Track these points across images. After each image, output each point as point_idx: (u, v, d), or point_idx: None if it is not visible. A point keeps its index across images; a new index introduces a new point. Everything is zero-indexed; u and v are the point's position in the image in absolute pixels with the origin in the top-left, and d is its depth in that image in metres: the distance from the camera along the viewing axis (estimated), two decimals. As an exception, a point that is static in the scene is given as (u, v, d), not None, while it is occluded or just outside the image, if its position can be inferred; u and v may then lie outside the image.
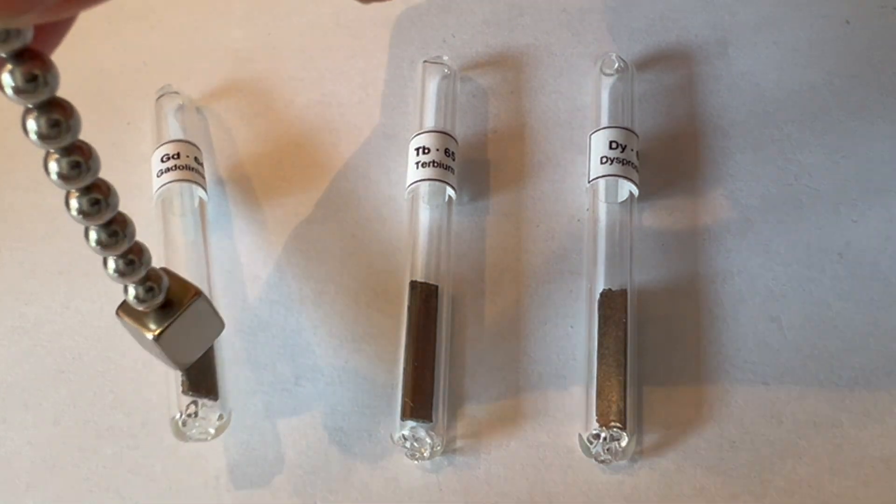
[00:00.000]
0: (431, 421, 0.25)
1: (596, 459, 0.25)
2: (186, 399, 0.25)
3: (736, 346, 0.26)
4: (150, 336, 0.20)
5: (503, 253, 0.29)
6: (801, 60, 0.31)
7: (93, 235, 0.18)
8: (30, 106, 0.16)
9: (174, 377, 0.25)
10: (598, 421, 0.25)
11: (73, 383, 0.27)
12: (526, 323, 0.27)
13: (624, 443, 0.24)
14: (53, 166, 0.17)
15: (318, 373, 0.27)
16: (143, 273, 0.19)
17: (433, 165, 0.28)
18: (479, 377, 0.27)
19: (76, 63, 0.32)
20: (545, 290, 0.28)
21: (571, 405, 0.26)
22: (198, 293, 0.21)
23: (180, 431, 0.25)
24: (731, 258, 0.28)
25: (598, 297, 0.26)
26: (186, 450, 0.26)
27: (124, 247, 0.19)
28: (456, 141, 0.29)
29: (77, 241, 0.29)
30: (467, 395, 0.26)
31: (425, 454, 0.25)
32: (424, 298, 0.27)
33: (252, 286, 0.29)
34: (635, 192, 0.28)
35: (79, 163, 0.17)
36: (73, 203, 0.17)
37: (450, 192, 0.28)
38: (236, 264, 0.29)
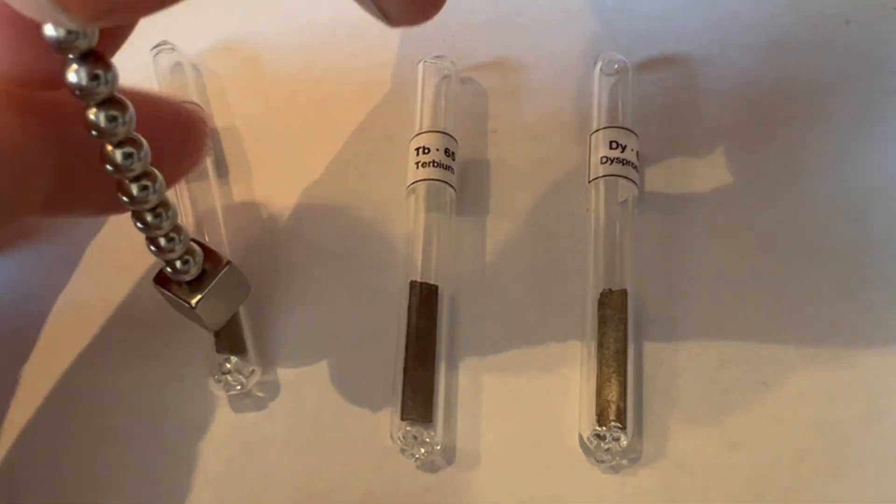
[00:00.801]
0: (431, 421, 0.25)
1: (596, 459, 0.25)
2: (219, 358, 0.26)
3: (736, 346, 0.26)
4: (189, 305, 0.23)
5: (503, 253, 0.29)
6: (801, 60, 0.31)
7: (141, 218, 0.21)
8: (90, 103, 0.18)
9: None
10: (598, 421, 0.25)
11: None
12: (526, 323, 0.27)
13: (624, 443, 0.24)
14: (109, 156, 0.20)
15: (319, 373, 0.27)
16: (182, 250, 0.22)
17: (433, 165, 0.28)
18: (478, 377, 0.27)
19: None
20: (545, 290, 0.28)
21: (571, 405, 0.26)
22: (228, 262, 0.24)
23: (217, 387, 0.26)
24: (730, 258, 0.28)
25: (598, 297, 0.26)
26: (186, 450, 0.26)
27: (167, 228, 0.21)
28: (456, 141, 0.29)
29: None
30: (467, 394, 0.26)
31: (424, 454, 0.25)
32: (424, 298, 0.27)
33: (252, 286, 0.29)
34: (635, 192, 0.28)
35: (131, 153, 0.20)
36: (126, 188, 0.20)
37: (450, 192, 0.29)
38: (237, 263, 0.29)
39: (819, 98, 0.30)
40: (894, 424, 0.25)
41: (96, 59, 0.18)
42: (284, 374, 0.27)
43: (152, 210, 0.21)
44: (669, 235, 0.28)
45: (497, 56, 0.32)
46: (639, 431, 0.25)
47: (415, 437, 0.25)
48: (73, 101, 0.19)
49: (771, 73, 0.31)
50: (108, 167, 0.20)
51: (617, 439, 0.24)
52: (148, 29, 0.34)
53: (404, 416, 0.25)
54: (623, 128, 0.29)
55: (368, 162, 0.30)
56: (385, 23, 0.21)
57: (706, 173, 0.29)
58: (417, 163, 0.29)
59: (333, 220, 0.29)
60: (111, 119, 0.19)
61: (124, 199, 0.20)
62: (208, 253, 0.23)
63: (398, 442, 0.25)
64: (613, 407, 0.25)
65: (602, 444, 0.24)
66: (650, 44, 0.32)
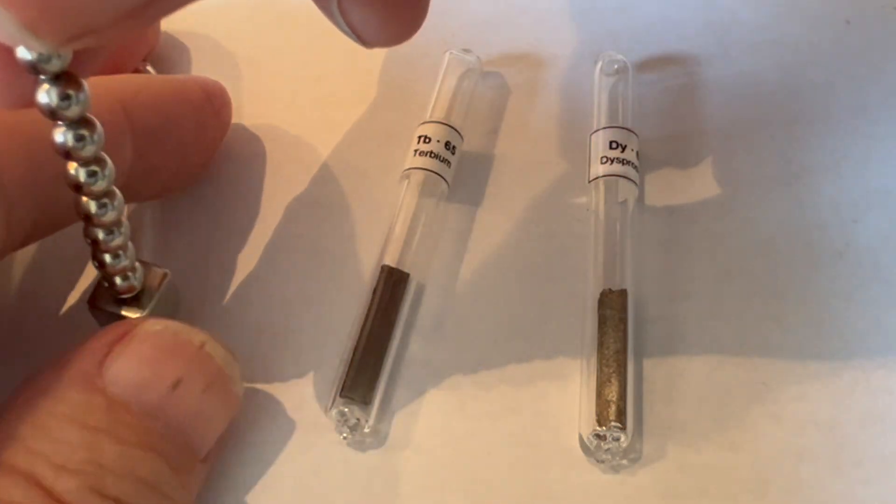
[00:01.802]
0: (369, 403, 0.25)
1: (596, 459, 0.25)
2: None
3: (736, 346, 0.26)
4: (134, 318, 0.23)
5: (503, 252, 0.29)
6: (801, 60, 0.31)
7: (94, 234, 0.21)
8: (59, 123, 0.19)
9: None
10: (598, 421, 0.25)
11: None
12: (526, 323, 0.27)
13: (624, 443, 0.24)
14: (73, 174, 0.20)
15: (319, 373, 0.27)
16: (129, 265, 0.23)
17: (430, 156, 0.29)
18: (478, 377, 0.27)
19: None
20: (545, 290, 0.28)
21: (571, 405, 0.26)
22: (165, 274, 0.24)
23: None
24: (731, 258, 0.28)
25: (598, 297, 0.26)
26: (186, 450, 0.26)
27: (118, 244, 0.22)
28: (461, 136, 0.29)
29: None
30: (467, 394, 0.26)
31: (350, 433, 0.25)
32: (392, 284, 0.27)
33: (252, 286, 0.29)
34: (635, 192, 0.28)
35: (96, 172, 0.20)
36: (85, 205, 0.21)
37: (443, 185, 0.29)
38: (234, 264, 0.29)
39: (819, 98, 0.30)
40: (894, 424, 0.25)
41: (68, 79, 0.18)
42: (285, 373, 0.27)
43: (107, 227, 0.21)
44: (669, 235, 0.28)
45: (497, 56, 0.32)
46: (639, 431, 0.25)
47: (344, 416, 0.25)
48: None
49: (771, 73, 0.31)
50: (71, 183, 0.20)
51: (617, 439, 0.24)
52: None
53: (343, 393, 0.25)
54: (623, 128, 0.29)
55: (369, 162, 0.30)
56: (361, 44, 0.21)
57: (706, 173, 0.29)
58: (416, 150, 0.29)
59: (334, 219, 0.29)
60: (80, 139, 0.19)
61: (83, 216, 0.21)
62: (144, 266, 0.24)
63: (332, 417, 0.25)
64: (613, 407, 0.25)
65: (602, 444, 0.24)
66: (650, 44, 0.32)
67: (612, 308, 0.26)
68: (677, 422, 0.25)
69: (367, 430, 0.25)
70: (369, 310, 0.27)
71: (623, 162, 0.28)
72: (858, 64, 0.31)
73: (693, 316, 0.27)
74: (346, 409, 0.25)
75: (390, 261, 0.27)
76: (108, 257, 0.22)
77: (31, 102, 0.19)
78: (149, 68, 0.32)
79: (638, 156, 0.29)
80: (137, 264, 0.23)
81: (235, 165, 0.31)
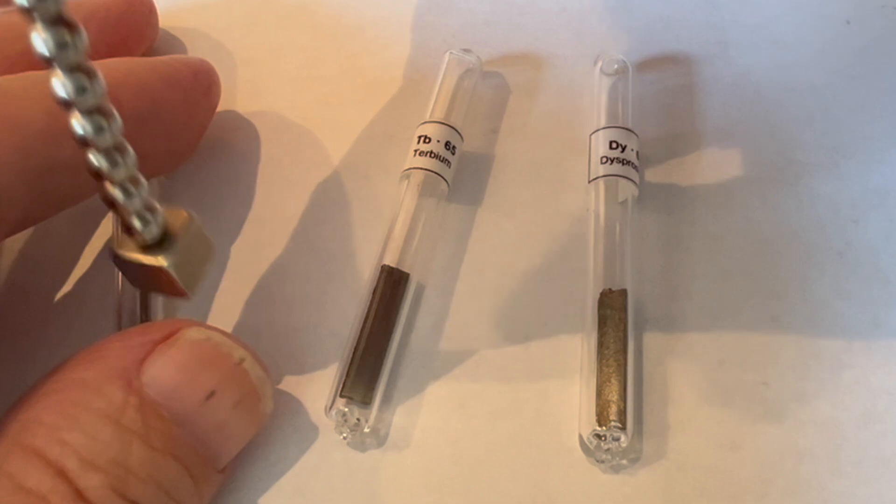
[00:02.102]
0: (369, 403, 0.25)
1: (596, 459, 0.25)
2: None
3: (736, 346, 0.26)
4: (159, 265, 0.21)
5: (503, 252, 0.29)
6: (801, 60, 0.31)
7: (91, 157, 0.19)
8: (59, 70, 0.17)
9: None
10: (598, 421, 0.25)
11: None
12: (526, 323, 0.27)
13: (624, 443, 0.24)
14: (58, 86, 0.18)
15: (319, 373, 0.27)
16: (141, 204, 0.20)
17: (430, 156, 0.29)
18: (478, 377, 0.27)
19: None
20: (545, 290, 0.28)
21: (571, 405, 0.26)
22: (190, 216, 0.22)
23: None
24: (731, 258, 0.28)
25: (598, 297, 0.26)
26: (187, 450, 0.26)
27: (123, 175, 0.19)
28: (461, 136, 0.29)
29: (77, 239, 0.30)
30: (467, 394, 0.26)
31: (350, 433, 0.25)
32: (392, 284, 0.27)
33: (252, 286, 0.29)
34: (635, 192, 0.28)
35: (82, 81, 0.18)
36: (76, 124, 0.18)
37: (443, 185, 0.29)
38: (236, 264, 0.29)
39: (819, 98, 0.30)
40: (894, 424, 0.25)
41: (65, 21, 0.16)
42: (285, 373, 0.27)
43: (108, 153, 0.19)
44: (669, 235, 0.28)
45: (497, 56, 0.32)
46: (639, 431, 0.25)
47: (344, 416, 0.25)
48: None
49: (771, 73, 0.31)
50: (59, 100, 0.18)
51: (617, 439, 0.24)
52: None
53: (343, 393, 0.25)
54: (623, 128, 0.29)
55: (368, 162, 0.30)
56: None
57: (706, 173, 0.29)
58: (416, 150, 0.29)
59: (333, 220, 0.29)
60: (63, 46, 0.17)
61: (79, 141, 0.19)
62: (167, 209, 0.22)
63: (331, 417, 0.25)
64: (613, 407, 0.25)
65: (602, 444, 0.24)
66: (650, 44, 0.32)
67: (612, 308, 0.26)
68: (677, 422, 0.25)
69: (367, 430, 0.26)
70: (369, 310, 0.27)
71: (623, 162, 0.28)
72: (858, 64, 0.31)
73: (693, 316, 0.27)
74: (346, 410, 0.25)
75: (390, 261, 0.27)
76: (118, 193, 0.20)
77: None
78: None
79: (638, 156, 0.29)
80: (157, 205, 0.21)
81: (235, 165, 0.31)
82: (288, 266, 0.29)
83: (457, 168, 0.30)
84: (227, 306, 0.28)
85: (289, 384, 0.27)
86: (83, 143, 0.18)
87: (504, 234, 0.29)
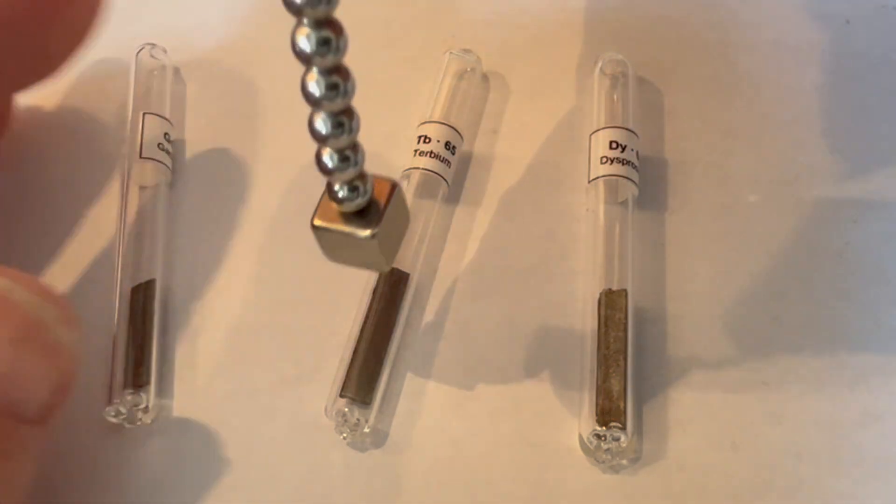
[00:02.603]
0: (369, 404, 0.25)
1: (596, 459, 0.25)
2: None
3: (736, 346, 0.26)
4: (364, 235, 0.20)
5: (503, 252, 0.29)
6: (801, 60, 0.31)
7: (319, 123, 0.19)
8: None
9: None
10: (598, 421, 0.25)
11: (77, 383, 0.27)
12: (526, 323, 0.27)
13: (624, 443, 0.24)
14: (303, 41, 0.18)
15: (319, 373, 0.27)
16: (358, 171, 0.19)
17: (430, 156, 0.29)
18: (478, 377, 0.27)
19: None
20: (545, 290, 0.28)
21: (571, 405, 0.26)
22: (395, 184, 0.21)
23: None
24: (730, 258, 0.28)
25: (598, 297, 0.26)
26: (187, 450, 0.26)
27: (347, 142, 0.19)
28: (461, 136, 0.30)
29: (86, 241, 0.30)
30: (467, 395, 0.26)
31: (350, 433, 0.25)
32: (392, 283, 0.27)
33: (252, 286, 0.29)
34: (635, 192, 0.28)
35: (328, 39, 0.17)
36: (312, 85, 0.18)
37: (443, 185, 0.29)
38: (236, 264, 0.29)
39: (819, 98, 0.30)
40: (894, 424, 0.25)
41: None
42: (284, 373, 0.27)
43: (336, 117, 0.19)
44: (669, 235, 0.28)
45: (497, 56, 0.32)
46: (639, 431, 0.25)
47: (344, 416, 0.25)
48: None
49: (771, 72, 0.31)
50: (303, 50, 0.18)
51: (617, 439, 0.24)
52: (138, 28, 0.34)
53: (343, 393, 0.25)
54: (623, 128, 0.29)
55: (368, 162, 0.30)
56: None
57: (706, 173, 0.29)
58: (417, 150, 0.29)
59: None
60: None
61: (313, 99, 0.18)
62: (372, 177, 0.21)
63: (331, 417, 0.25)
64: (613, 407, 0.25)
65: (602, 444, 0.24)
66: (650, 44, 0.32)
67: (612, 308, 0.26)
68: (677, 422, 0.25)
69: (367, 430, 0.26)
70: (369, 310, 0.27)
71: (623, 162, 0.28)
72: (858, 64, 0.31)
73: (693, 316, 0.27)
74: (346, 410, 0.25)
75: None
76: (335, 159, 0.19)
77: None
78: None
79: (638, 156, 0.29)
80: (368, 173, 0.20)
81: (235, 165, 0.31)
82: (288, 266, 0.29)
83: (457, 168, 0.30)
84: (227, 306, 0.28)
85: (289, 384, 0.27)
86: (315, 104, 0.18)
87: (504, 234, 0.29)
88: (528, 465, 0.25)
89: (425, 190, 0.29)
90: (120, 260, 0.28)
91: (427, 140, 0.29)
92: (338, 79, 0.18)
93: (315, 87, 0.18)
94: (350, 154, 0.19)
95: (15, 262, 0.29)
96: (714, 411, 0.25)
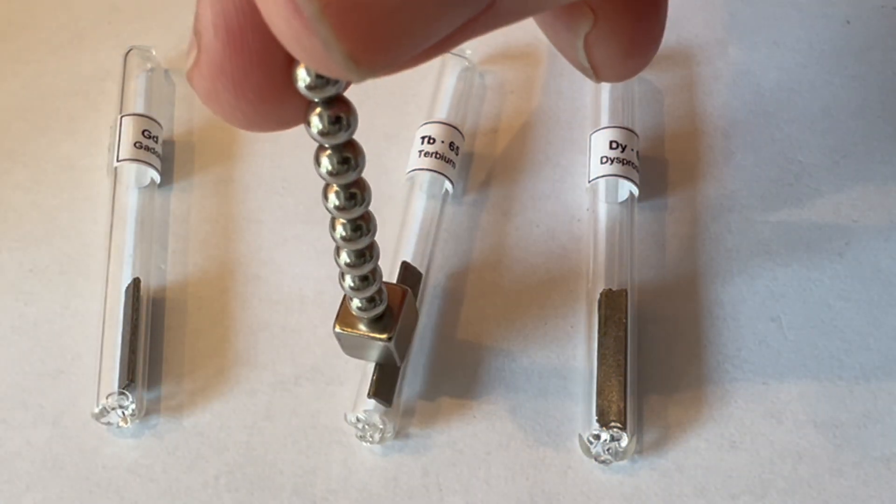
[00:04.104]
0: (391, 405, 0.25)
1: (596, 459, 0.25)
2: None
3: (736, 346, 0.26)
4: (382, 341, 0.23)
5: (503, 252, 0.29)
6: (801, 60, 0.31)
7: (344, 256, 0.21)
8: (326, 145, 0.18)
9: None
10: (598, 421, 0.25)
11: (73, 383, 0.27)
12: (526, 323, 0.27)
13: (624, 443, 0.24)
14: (332, 198, 0.19)
15: (318, 373, 0.27)
16: (377, 287, 0.22)
17: (435, 157, 0.29)
18: (478, 377, 0.27)
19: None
20: (545, 290, 0.28)
21: (571, 405, 0.26)
22: (406, 291, 0.23)
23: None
24: (731, 258, 0.28)
25: (598, 297, 0.26)
26: (186, 450, 0.26)
27: (369, 267, 0.21)
28: (462, 136, 0.29)
29: (77, 241, 0.30)
30: (468, 395, 0.26)
31: (376, 438, 0.25)
32: (411, 284, 0.27)
33: (252, 286, 0.29)
34: (635, 192, 0.28)
35: (355, 194, 0.19)
36: (339, 229, 0.20)
37: (447, 185, 0.29)
38: (236, 264, 0.29)
39: (819, 98, 0.30)
40: (894, 424, 0.25)
41: (340, 101, 0.17)
42: (284, 373, 0.27)
43: (360, 252, 0.21)
44: (669, 235, 0.28)
45: (497, 56, 0.32)
46: (639, 431, 0.25)
47: (367, 421, 0.25)
48: None
49: (771, 73, 0.31)
50: (329, 207, 0.19)
51: (617, 439, 0.24)
52: (131, 30, 0.34)
53: (370, 395, 0.25)
54: (623, 128, 0.29)
55: (368, 162, 0.30)
56: (591, 79, 0.20)
57: (706, 173, 0.29)
58: (420, 151, 0.29)
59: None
60: (343, 161, 0.18)
61: (339, 236, 0.20)
62: (386, 285, 0.23)
63: (350, 423, 0.25)
64: (613, 407, 0.25)
65: (602, 444, 0.24)
66: (650, 44, 0.32)
67: (613, 308, 0.26)
68: (677, 422, 0.25)
69: (388, 435, 0.25)
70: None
71: (623, 162, 0.28)
72: (858, 64, 0.31)
73: (693, 316, 0.27)
74: (366, 414, 0.25)
75: (408, 257, 0.27)
76: (359, 281, 0.21)
77: (287, 124, 0.17)
78: None
79: (638, 156, 0.29)
80: (384, 287, 0.23)
81: (235, 165, 0.31)
82: (288, 266, 0.29)
83: (458, 168, 0.30)
84: (227, 307, 0.28)
85: (288, 384, 0.27)
86: (343, 241, 0.20)
87: (504, 234, 0.29)
88: (528, 465, 0.25)
89: (430, 189, 0.29)
90: (109, 261, 0.28)
91: (431, 141, 0.29)
92: (362, 223, 0.20)
93: (342, 230, 0.20)
94: (370, 276, 0.21)
95: (5, 258, 0.29)
96: (714, 411, 0.25)
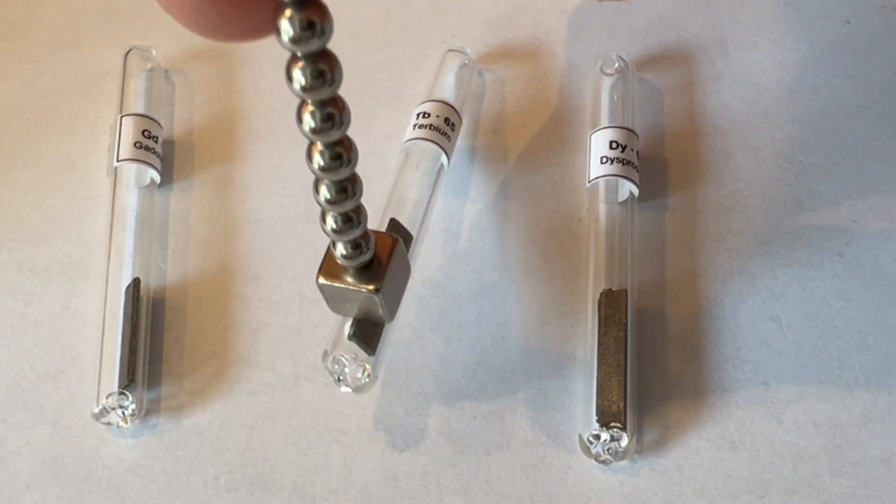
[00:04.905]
0: (373, 354, 0.24)
1: (596, 459, 0.25)
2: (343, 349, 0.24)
3: (736, 346, 0.26)
4: (368, 291, 0.21)
5: (503, 252, 0.29)
6: (801, 60, 0.31)
7: (323, 190, 0.19)
8: (298, 54, 0.16)
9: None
10: (598, 421, 0.25)
11: (73, 383, 0.27)
12: (526, 323, 0.27)
13: (624, 443, 0.24)
14: (308, 119, 0.17)
15: (318, 373, 0.27)
16: (362, 231, 0.20)
17: (430, 129, 0.28)
18: (478, 377, 0.27)
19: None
20: (545, 290, 0.28)
21: (571, 405, 0.26)
22: (396, 239, 0.21)
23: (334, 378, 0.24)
24: (731, 258, 0.28)
25: (598, 297, 0.26)
26: (186, 450, 0.26)
27: (350, 205, 0.19)
28: (460, 117, 0.29)
29: (78, 241, 0.30)
30: (467, 394, 0.26)
31: (350, 383, 0.24)
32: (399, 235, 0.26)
33: (252, 286, 0.29)
34: (635, 192, 0.28)
35: (332, 115, 0.17)
36: (317, 157, 0.18)
37: (443, 159, 0.28)
38: (236, 264, 0.29)
39: (819, 98, 0.30)
40: (894, 424, 0.25)
41: (314, 4, 0.16)
42: (284, 373, 0.27)
43: (341, 184, 0.19)
44: (669, 235, 0.28)
45: (497, 56, 0.32)
46: (639, 431, 0.25)
47: (345, 363, 0.24)
48: None
49: (771, 73, 0.31)
50: (304, 130, 0.18)
51: (617, 439, 0.24)
52: (131, 30, 0.34)
53: (350, 336, 0.24)
54: (623, 128, 0.29)
55: (368, 162, 0.30)
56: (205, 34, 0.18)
57: (706, 173, 0.29)
58: (415, 125, 0.29)
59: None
60: (318, 75, 0.17)
61: (313, 167, 0.18)
62: (374, 233, 0.21)
63: (328, 364, 0.24)
64: (613, 407, 0.25)
65: (602, 444, 0.24)
66: (650, 44, 0.32)
67: (612, 308, 0.26)
68: (677, 422, 0.25)
69: (367, 379, 0.24)
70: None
71: (623, 162, 0.28)
72: (858, 64, 0.31)
73: (693, 316, 0.27)
74: (346, 357, 0.24)
75: (394, 214, 0.26)
76: (341, 222, 0.20)
77: (254, 31, 0.16)
78: None
79: (638, 156, 0.29)
80: (371, 232, 0.21)
81: (235, 165, 0.31)
82: (288, 266, 0.29)
83: (452, 162, 0.29)
84: (227, 307, 0.28)
85: (288, 384, 0.27)
86: (322, 172, 0.19)
87: (504, 234, 0.29)
88: (528, 465, 0.25)
89: (424, 162, 0.28)
90: (109, 261, 0.28)
91: (426, 115, 0.29)
92: (342, 150, 0.18)
93: (319, 159, 0.18)
94: (353, 216, 0.20)
95: (5, 258, 0.29)
96: (714, 411, 0.25)
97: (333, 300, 0.22)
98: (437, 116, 0.29)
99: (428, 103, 0.29)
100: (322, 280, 0.21)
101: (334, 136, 0.18)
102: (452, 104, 0.29)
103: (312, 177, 0.19)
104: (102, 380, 0.26)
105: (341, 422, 0.26)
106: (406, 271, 0.23)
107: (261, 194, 0.30)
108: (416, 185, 0.28)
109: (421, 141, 0.28)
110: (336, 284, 0.21)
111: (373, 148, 0.31)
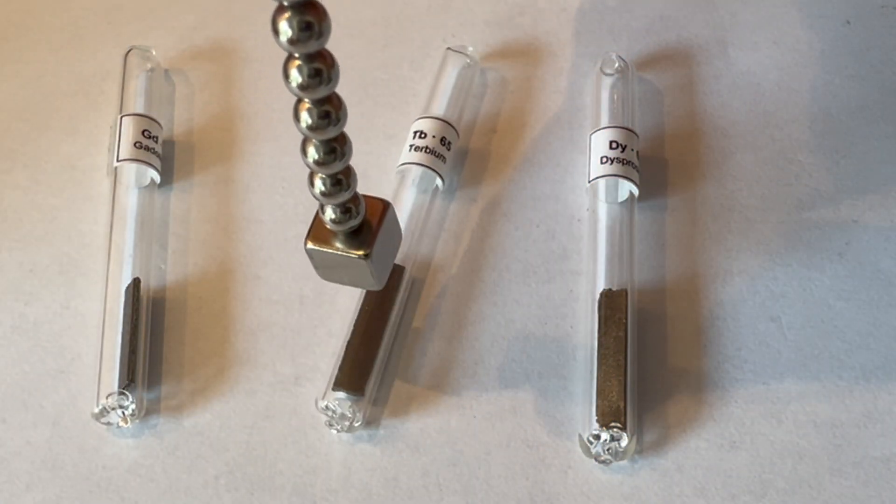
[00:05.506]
0: (363, 395, 0.25)
1: (596, 459, 0.25)
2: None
3: (736, 346, 0.26)
4: (357, 256, 0.21)
5: (503, 252, 0.29)
6: (801, 60, 0.31)
7: (311, 151, 0.19)
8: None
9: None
10: (598, 421, 0.25)
11: (73, 383, 0.27)
12: (526, 323, 0.27)
13: (624, 443, 0.24)
14: (294, 74, 0.17)
15: (318, 373, 0.27)
16: (351, 194, 0.20)
17: (426, 151, 0.29)
18: (477, 377, 0.27)
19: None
20: (545, 290, 0.28)
21: (571, 405, 0.26)
22: (387, 204, 0.21)
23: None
24: (731, 258, 0.28)
25: (598, 297, 0.26)
26: (186, 450, 0.26)
27: (339, 167, 0.19)
28: (457, 132, 0.29)
29: (78, 241, 0.30)
30: (467, 394, 0.26)
31: (344, 427, 0.25)
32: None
33: (252, 286, 0.29)
34: (635, 192, 0.28)
35: (320, 70, 0.17)
36: (305, 116, 0.18)
37: (437, 181, 0.29)
38: (235, 264, 0.29)
39: (819, 98, 0.30)
40: (894, 424, 0.25)
41: (312, 6, 0.16)
42: (284, 373, 0.27)
43: (329, 145, 0.19)
44: (669, 235, 0.28)
45: (497, 56, 0.32)
46: (639, 431, 0.25)
47: (336, 410, 0.25)
48: None
49: (771, 72, 0.31)
50: (301, 126, 0.18)
51: (617, 439, 0.24)
52: (131, 30, 0.34)
53: (335, 386, 0.25)
54: (623, 128, 0.29)
55: (368, 162, 0.30)
56: None
57: (706, 173, 0.29)
58: (412, 146, 0.29)
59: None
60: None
61: (306, 125, 0.18)
62: (364, 197, 0.21)
63: (321, 411, 0.25)
64: (613, 407, 0.25)
65: (602, 444, 0.24)
66: (650, 44, 0.32)
67: (613, 308, 0.26)
68: (677, 421, 0.25)
69: (357, 424, 0.25)
70: (364, 303, 0.26)
71: (623, 162, 0.28)
72: (858, 64, 0.31)
73: (693, 316, 0.27)
74: (335, 404, 0.25)
75: None
76: (329, 184, 0.19)
77: None
78: None
79: (638, 156, 0.29)
80: (361, 195, 0.20)
81: (235, 165, 0.31)
82: (288, 266, 0.29)
83: (455, 166, 0.30)
84: (227, 307, 0.28)
85: (288, 384, 0.27)
86: (310, 131, 0.18)
87: (504, 234, 0.29)
88: (528, 465, 0.25)
89: (420, 185, 0.29)
90: (109, 260, 0.28)
91: (422, 135, 0.29)
92: (330, 108, 0.18)
93: (307, 117, 0.18)
94: (343, 178, 0.20)
95: (5, 258, 0.29)
96: (714, 411, 0.25)
97: (322, 266, 0.22)
98: (434, 137, 0.29)
99: (424, 120, 0.29)
100: (310, 245, 0.21)
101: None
102: (449, 120, 0.29)
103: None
104: (102, 380, 0.26)
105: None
106: (397, 238, 0.22)
107: (261, 194, 0.30)
108: (412, 212, 0.28)
109: (417, 166, 0.29)
110: (325, 250, 0.21)
111: (373, 148, 0.31)
